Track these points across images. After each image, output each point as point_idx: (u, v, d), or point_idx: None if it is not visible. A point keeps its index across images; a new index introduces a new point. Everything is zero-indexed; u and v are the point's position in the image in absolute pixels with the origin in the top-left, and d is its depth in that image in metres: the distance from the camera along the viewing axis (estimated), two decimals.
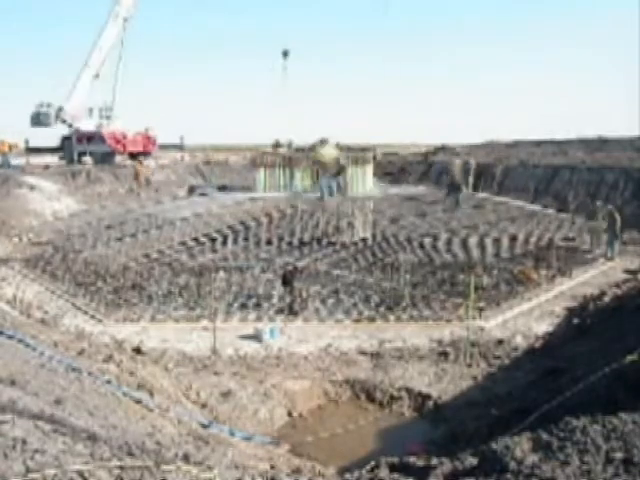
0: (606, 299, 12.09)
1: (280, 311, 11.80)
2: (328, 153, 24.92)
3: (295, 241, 17.76)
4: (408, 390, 8.45)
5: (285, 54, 24.77)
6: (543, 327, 11.08)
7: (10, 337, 6.90)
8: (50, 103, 32.55)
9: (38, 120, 32.42)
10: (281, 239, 17.90)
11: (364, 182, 26.25)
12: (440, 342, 10.22)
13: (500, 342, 10.15)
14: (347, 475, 4.26)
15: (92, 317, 11.63)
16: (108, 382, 6.45)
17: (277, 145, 28.49)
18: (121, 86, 33.60)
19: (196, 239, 18.02)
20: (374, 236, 18.07)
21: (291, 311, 11.68)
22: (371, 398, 8.51)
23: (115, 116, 33.75)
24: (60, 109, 32.25)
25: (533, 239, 17.83)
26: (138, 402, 6.28)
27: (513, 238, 17.83)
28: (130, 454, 3.62)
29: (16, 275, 14.65)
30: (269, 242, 17.74)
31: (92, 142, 31.82)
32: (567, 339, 10.13)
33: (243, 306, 12.10)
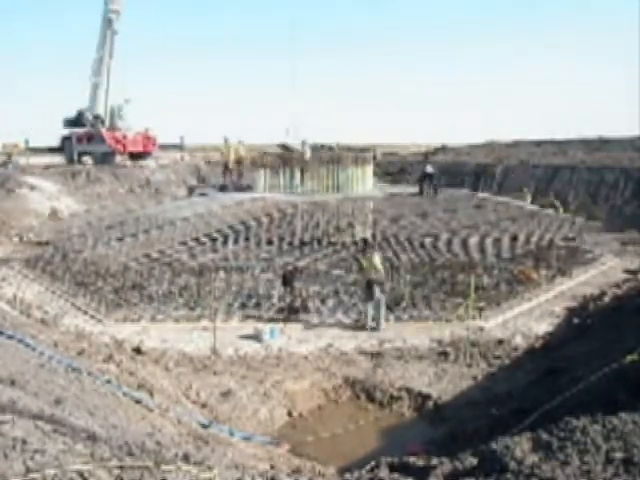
0: (606, 299, 12.10)
1: (280, 311, 11.81)
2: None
3: (295, 241, 17.76)
4: (408, 390, 8.45)
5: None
6: (543, 327, 11.09)
7: (10, 337, 6.90)
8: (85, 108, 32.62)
9: (78, 122, 32.48)
10: (281, 239, 17.89)
11: (364, 182, 26.26)
12: (440, 342, 10.22)
13: (500, 342, 10.15)
14: (347, 475, 4.26)
15: (92, 317, 11.63)
16: (108, 382, 6.45)
17: (286, 147, 28.55)
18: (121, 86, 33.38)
19: (196, 239, 18.00)
20: (374, 236, 18.06)
21: (291, 311, 11.69)
22: (371, 398, 8.51)
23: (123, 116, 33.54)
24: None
25: (534, 239, 17.84)
26: (138, 402, 6.29)
27: (513, 238, 17.83)
28: (130, 454, 3.62)
29: (16, 275, 14.66)
30: (269, 242, 17.73)
31: (92, 142, 31.78)
32: (567, 339, 10.13)
33: (243, 306, 12.10)
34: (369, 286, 10.96)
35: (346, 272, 14.46)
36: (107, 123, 32.09)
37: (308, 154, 25.32)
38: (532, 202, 24.42)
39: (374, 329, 10.78)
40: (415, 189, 25.35)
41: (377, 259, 11.20)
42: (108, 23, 31.37)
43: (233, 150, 27.23)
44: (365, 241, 11.61)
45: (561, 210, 23.52)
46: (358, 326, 11.02)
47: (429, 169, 24.63)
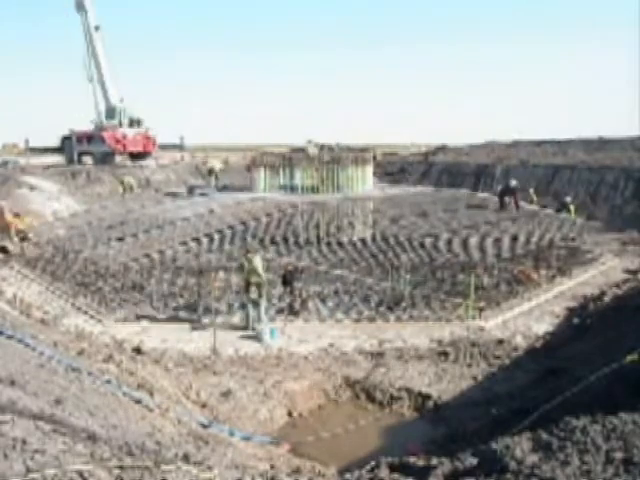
0: (606, 299, 12.09)
1: (280, 311, 11.81)
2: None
3: (295, 241, 17.76)
4: (408, 390, 8.45)
5: None
6: (543, 327, 11.08)
7: (10, 337, 6.90)
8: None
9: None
10: (281, 239, 17.90)
11: (364, 182, 26.30)
12: (440, 342, 10.22)
13: (500, 342, 10.14)
14: (347, 475, 4.26)
15: (92, 317, 11.63)
16: (108, 382, 6.44)
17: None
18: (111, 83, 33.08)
19: (197, 239, 18.02)
20: (374, 236, 18.08)
21: (291, 311, 11.69)
22: (371, 398, 8.50)
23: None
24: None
25: (534, 239, 17.84)
26: (138, 402, 6.28)
27: (514, 238, 17.83)
28: (130, 454, 3.62)
29: (16, 275, 14.65)
30: (270, 242, 17.74)
31: (92, 142, 31.80)
32: (567, 339, 10.13)
33: (243, 306, 12.10)
34: (247, 287, 10.91)
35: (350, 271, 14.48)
36: (104, 122, 32.09)
37: (313, 152, 25.42)
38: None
39: (254, 331, 10.63)
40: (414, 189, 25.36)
41: (257, 261, 11.00)
42: (82, 20, 31.41)
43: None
44: (251, 249, 11.77)
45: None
46: (241, 327, 10.92)
47: (513, 183, 22.60)
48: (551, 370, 8.28)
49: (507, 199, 22.38)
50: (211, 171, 29.67)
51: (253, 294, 10.78)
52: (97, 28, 31.68)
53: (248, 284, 10.88)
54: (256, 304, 10.82)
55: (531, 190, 24.67)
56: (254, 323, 10.78)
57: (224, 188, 27.46)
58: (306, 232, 18.32)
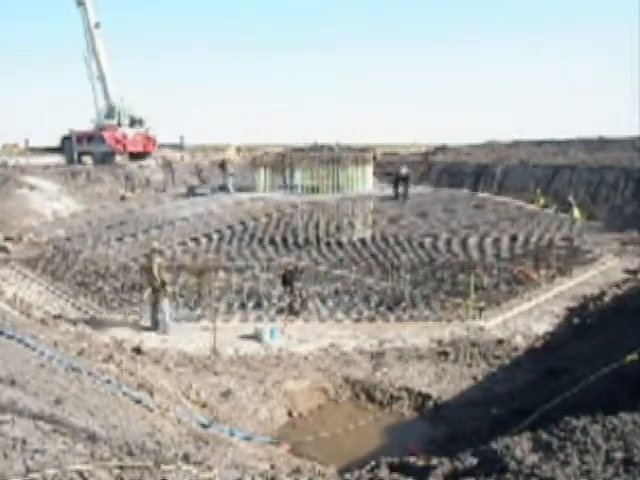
0: (606, 299, 12.09)
1: (280, 311, 11.81)
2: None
3: (295, 241, 17.76)
4: (408, 390, 8.46)
5: None
6: (543, 327, 11.09)
7: (10, 337, 6.90)
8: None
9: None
10: (281, 239, 17.89)
11: (364, 182, 26.29)
12: (440, 342, 10.22)
13: (500, 342, 10.15)
14: (347, 475, 4.26)
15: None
16: (108, 382, 6.44)
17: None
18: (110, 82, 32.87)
19: (196, 239, 18.02)
20: (374, 236, 18.07)
21: (291, 311, 11.69)
22: (371, 398, 8.51)
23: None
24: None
25: (533, 239, 17.83)
26: (138, 402, 6.28)
27: (513, 238, 17.83)
28: (130, 454, 3.62)
29: (16, 275, 14.65)
30: (269, 242, 17.74)
31: (92, 142, 31.77)
32: (567, 339, 10.13)
33: (243, 306, 12.10)
34: (154, 291, 11.09)
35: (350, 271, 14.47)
36: (104, 122, 32.07)
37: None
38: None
39: (162, 331, 10.80)
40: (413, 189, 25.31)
41: (155, 263, 11.26)
42: (82, 17, 31.32)
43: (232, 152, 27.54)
44: (153, 250, 12.00)
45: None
46: (147, 328, 11.04)
47: (403, 171, 22.80)
48: (551, 370, 8.28)
49: (401, 188, 22.49)
50: (223, 164, 27.00)
51: (153, 293, 10.98)
52: (97, 25, 31.60)
53: (154, 289, 11.09)
54: (156, 303, 10.95)
55: (538, 190, 24.58)
56: (162, 323, 10.87)
57: (224, 188, 27.32)
58: (306, 232, 18.30)
